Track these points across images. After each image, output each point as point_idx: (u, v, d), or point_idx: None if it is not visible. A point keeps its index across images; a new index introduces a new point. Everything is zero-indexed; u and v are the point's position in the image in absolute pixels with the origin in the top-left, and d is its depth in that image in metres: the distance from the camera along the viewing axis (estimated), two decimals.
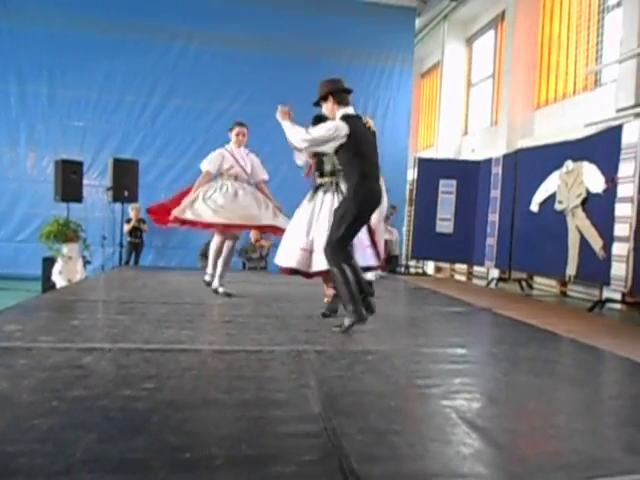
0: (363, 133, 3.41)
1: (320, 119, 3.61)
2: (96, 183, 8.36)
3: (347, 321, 3.28)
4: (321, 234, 3.54)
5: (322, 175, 3.83)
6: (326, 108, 3.49)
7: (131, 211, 8.22)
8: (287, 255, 3.72)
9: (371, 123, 3.50)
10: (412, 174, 8.84)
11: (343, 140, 3.29)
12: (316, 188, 3.83)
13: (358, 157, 3.34)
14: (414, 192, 8.49)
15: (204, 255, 8.45)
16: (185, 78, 8.59)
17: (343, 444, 1.63)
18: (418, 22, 10.54)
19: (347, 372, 2.47)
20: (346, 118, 3.36)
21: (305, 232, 3.68)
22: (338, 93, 3.45)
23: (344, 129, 3.30)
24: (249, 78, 8.65)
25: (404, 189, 9.73)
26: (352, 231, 3.36)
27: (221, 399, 2.01)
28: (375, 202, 3.42)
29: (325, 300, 3.99)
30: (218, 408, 1.91)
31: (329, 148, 3.36)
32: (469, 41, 11.18)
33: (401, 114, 9.46)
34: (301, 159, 3.93)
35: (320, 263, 3.54)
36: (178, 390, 2.09)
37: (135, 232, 8.31)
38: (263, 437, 1.68)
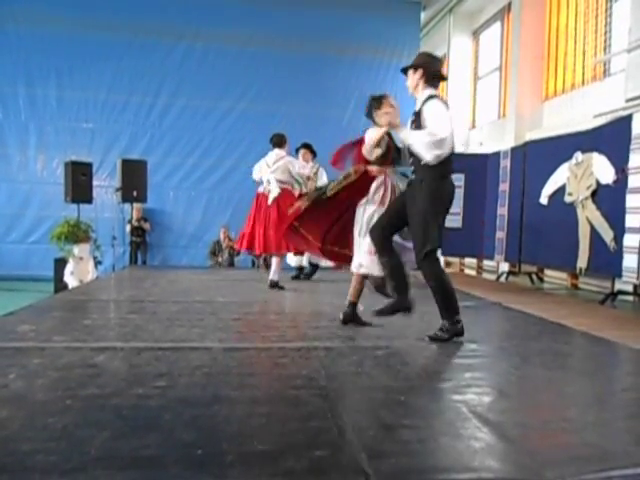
0: None
1: (376, 99, 3.39)
2: (105, 184, 8.41)
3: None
4: None
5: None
6: (411, 80, 3.10)
7: (133, 210, 8.27)
8: None
9: None
10: None
11: None
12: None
13: None
14: None
15: (213, 253, 8.52)
16: (191, 77, 8.60)
17: (354, 439, 1.64)
18: (423, 16, 10.46)
19: (357, 368, 2.48)
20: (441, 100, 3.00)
21: None
22: (432, 71, 3.05)
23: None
24: (255, 76, 8.64)
25: None
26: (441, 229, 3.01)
27: (232, 396, 2.02)
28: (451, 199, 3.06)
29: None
30: (229, 405, 1.92)
31: None
32: (475, 34, 11.08)
33: (407, 109, 9.40)
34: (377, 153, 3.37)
35: None
36: (189, 387, 2.11)
37: (137, 231, 8.37)
38: (274, 433, 1.69)
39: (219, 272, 7.03)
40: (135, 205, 8.08)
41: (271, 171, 5.23)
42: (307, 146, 5.78)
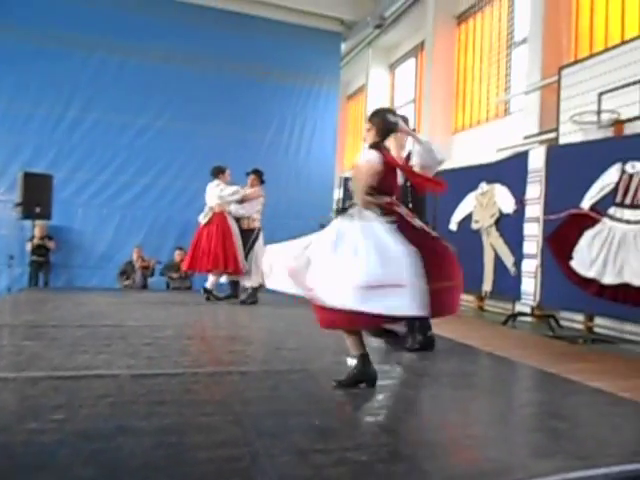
0: None
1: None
2: (3, 198, 7.76)
3: None
4: None
5: None
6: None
7: (35, 227, 7.69)
8: None
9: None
10: (338, 193, 9.00)
11: None
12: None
13: None
14: (339, 211, 8.63)
15: (123, 274, 8.09)
16: (106, 91, 8.22)
17: (266, 466, 1.60)
18: (344, 46, 10.85)
19: (272, 392, 2.44)
20: None
21: None
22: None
23: None
24: (174, 94, 8.44)
25: (330, 207, 9.87)
26: None
27: (138, 426, 1.91)
28: None
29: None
30: (135, 436, 1.81)
31: None
32: (392, 67, 11.68)
33: (328, 134, 9.63)
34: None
35: None
36: (91, 419, 1.96)
37: (39, 250, 7.77)
38: (182, 464, 1.61)
39: (131, 294, 6.68)
40: (38, 222, 7.51)
41: (207, 198, 5.87)
42: (254, 172, 5.99)
